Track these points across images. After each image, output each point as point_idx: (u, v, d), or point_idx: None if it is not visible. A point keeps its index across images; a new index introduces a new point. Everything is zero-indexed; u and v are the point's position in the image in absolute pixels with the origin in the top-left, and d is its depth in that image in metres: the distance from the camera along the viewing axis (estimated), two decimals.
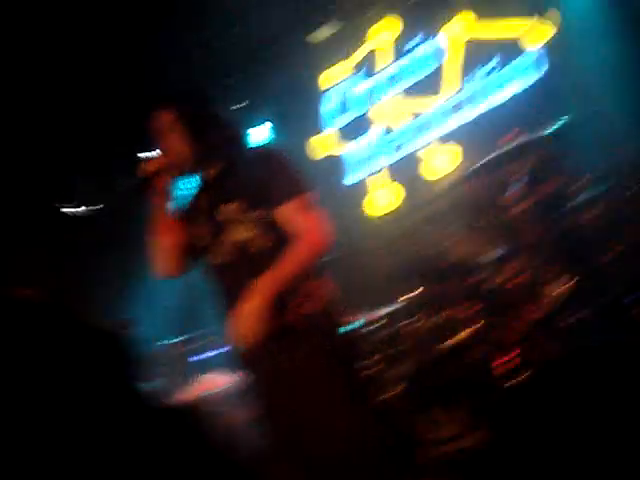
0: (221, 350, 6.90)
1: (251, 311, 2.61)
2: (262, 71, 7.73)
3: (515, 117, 6.49)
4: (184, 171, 2.93)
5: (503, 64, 7.04)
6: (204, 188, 2.98)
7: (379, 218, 7.52)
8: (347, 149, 7.83)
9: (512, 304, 4.45)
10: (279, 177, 2.84)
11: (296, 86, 7.89)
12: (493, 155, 4.90)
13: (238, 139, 3.04)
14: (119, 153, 7.55)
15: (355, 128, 7.90)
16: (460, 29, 7.26)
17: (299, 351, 2.70)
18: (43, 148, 6.93)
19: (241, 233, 2.78)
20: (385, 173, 7.65)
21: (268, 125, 8.23)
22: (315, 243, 2.78)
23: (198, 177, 2.99)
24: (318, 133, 8.02)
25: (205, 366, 6.59)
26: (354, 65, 7.93)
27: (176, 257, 2.92)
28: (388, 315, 5.05)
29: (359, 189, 7.75)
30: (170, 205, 2.94)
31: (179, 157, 2.88)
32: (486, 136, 6.38)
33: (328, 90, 8.07)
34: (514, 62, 6.98)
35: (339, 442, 2.66)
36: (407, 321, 4.97)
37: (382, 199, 7.54)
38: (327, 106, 8.07)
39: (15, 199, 6.82)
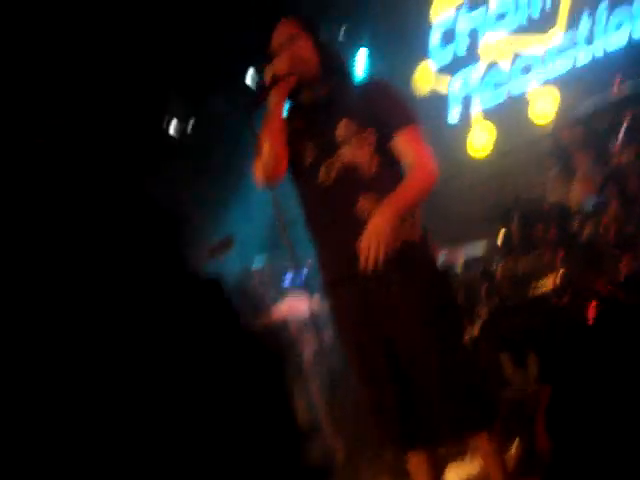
0: (304, 275, 7.04)
1: (383, 228, 2.59)
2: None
3: (619, 67, 6.32)
4: (306, 80, 2.87)
5: (612, 9, 6.83)
6: (316, 104, 2.93)
7: (480, 156, 7.45)
8: (449, 85, 7.74)
9: (607, 254, 4.43)
10: (395, 105, 2.86)
11: (402, 15, 7.78)
12: (595, 104, 4.83)
13: (346, 61, 3.08)
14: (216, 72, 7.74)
15: (457, 64, 7.80)
16: None
17: (404, 277, 2.70)
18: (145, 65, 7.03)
19: (352, 154, 2.77)
20: (487, 112, 7.55)
21: (364, 51, 8.09)
22: (430, 174, 2.78)
23: (313, 91, 2.93)
24: (421, 64, 7.92)
25: (289, 290, 6.74)
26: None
27: (281, 164, 2.86)
28: (477, 255, 5.08)
29: (461, 127, 7.67)
30: (284, 113, 2.89)
31: (306, 64, 2.86)
32: (590, 83, 6.27)
33: (434, 22, 7.96)
34: (623, 7, 6.77)
35: (434, 372, 2.68)
36: (497, 261, 5.00)
37: (483, 138, 7.48)
38: (432, 38, 7.97)
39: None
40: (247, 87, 8.05)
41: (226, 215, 7.91)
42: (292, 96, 2.91)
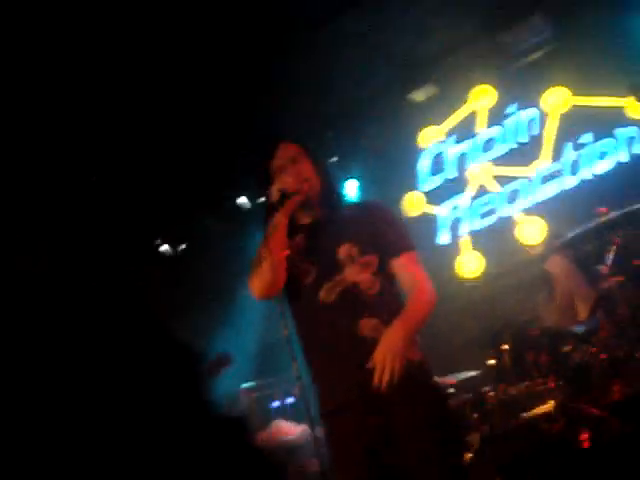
0: (293, 399, 6.97)
1: (397, 345, 2.62)
2: (357, 127, 7.84)
3: (604, 193, 6.48)
4: (308, 200, 2.95)
5: (595, 140, 7.05)
6: (317, 224, 3.01)
7: (468, 281, 7.50)
8: (437, 210, 7.86)
9: (596, 380, 4.40)
10: (395, 229, 2.97)
11: (390, 144, 7.99)
12: (583, 229, 4.89)
13: (340, 186, 3.18)
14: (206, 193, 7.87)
15: (446, 190, 7.94)
16: (555, 102, 7.30)
17: (407, 397, 2.67)
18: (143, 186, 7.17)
19: (354, 275, 2.82)
20: (474, 237, 7.65)
21: (354, 183, 8.25)
22: (431, 297, 2.84)
23: (314, 211, 3.03)
24: (410, 192, 8.05)
25: (277, 413, 6.66)
26: (449, 128, 8.00)
27: (280, 279, 2.87)
28: (467, 380, 5.03)
29: (449, 250, 7.74)
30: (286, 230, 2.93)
31: (309, 184, 2.96)
32: (575, 210, 6.39)
33: (422, 150, 8.14)
34: (606, 139, 7.00)
35: None
36: (486, 388, 4.95)
37: (471, 262, 7.54)
38: (420, 166, 8.13)
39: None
40: (239, 208, 8.17)
41: (216, 337, 7.87)
42: (292, 215, 2.97)
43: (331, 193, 3.07)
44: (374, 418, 2.69)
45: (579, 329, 4.55)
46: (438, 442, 2.67)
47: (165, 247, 8.45)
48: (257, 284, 2.86)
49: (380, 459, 2.68)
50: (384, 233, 2.91)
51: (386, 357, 2.58)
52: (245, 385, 6.89)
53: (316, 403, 2.91)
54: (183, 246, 8.56)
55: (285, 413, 6.74)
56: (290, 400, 6.96)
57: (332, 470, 2.93)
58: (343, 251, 2.85)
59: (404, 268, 2.87)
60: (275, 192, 2.89)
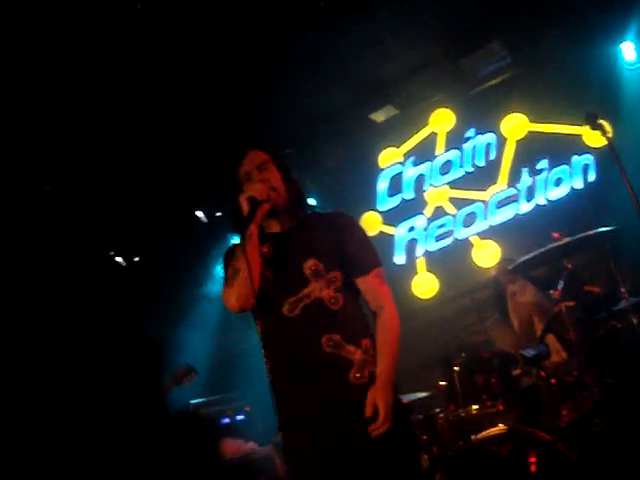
0: (243, 416, 6.93)
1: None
2: (317, 145, 7.85)
3: (559, 219, 6.58)
4: (275, 209, 2.92)
5: (551, 167, 7.17)
6: (283, 234, 2.99)
7: (422, 301, 7.54)
8: (394, 231, 7.90)
9: (547, 403, 4.44)
10: (362, 245, 2.96)
11: (349, 163, 8.03)
12: (535, 253, 4.94)
13: (306, 198, 3.12)
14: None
15: (403, 211, 8.00)
16: (512, 128, 7.42)
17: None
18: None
19: (318, 290, 2.81)
20: (429, 258, 7.71)
21: (312, 201, 8.23)
22: (397, 321, 2.87)
23: (281, 220, 3.00)
24: (367, 211, 8.10)
25: (228, 430, 6.61)
26: (407, 150, 8.08)
27: (253, 290, 2.80)
28: (418, 401, 5.03)
29: (405, 270, 7.78)
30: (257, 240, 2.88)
31: (276, 193, 2.92)
32: (529, 235, 6.47)
33: (381, 171, 8.21)
34: (562, 166, 7.12)
35: None
36: (437, 409, 4.96)
37: (425, 283, 7.59)
38: (378, 186, 8.18)
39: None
40: (197, 219, 8.14)
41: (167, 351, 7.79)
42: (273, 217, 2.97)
43: (299, 202, 3.04)
44: (333, 433, 2.69)
45: (529, 353, 4.58)
46: (398, 459, 2.68)
47: (119, 259, 8.36)
48: (234, 296, 2.83)
49: (335, 475, 2.67)
50: (350, 250, 2.90)
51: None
52: (195, 401, 6.82)
53: (275, 416, 2.86)
54: (137, 258, 8.47)
55: (235, 430, 6.70)
56: (240, 417, 6.93)
57: None
58: (309, 266, 2.84)
59: (371, 286, 2.89)
60: (244, 201, 2.84)
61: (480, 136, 7.63)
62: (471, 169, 7.63)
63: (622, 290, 4.37)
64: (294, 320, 2.80)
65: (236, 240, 3.03)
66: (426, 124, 7.93)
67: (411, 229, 7.85)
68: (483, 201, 7.44)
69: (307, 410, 2.73)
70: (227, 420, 6.88)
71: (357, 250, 2.93)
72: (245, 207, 2.82)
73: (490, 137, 7.56)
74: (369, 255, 2.96)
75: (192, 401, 6.79)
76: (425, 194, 7.87)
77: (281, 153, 3.16)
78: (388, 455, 2.65)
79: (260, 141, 3.15)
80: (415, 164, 8.01)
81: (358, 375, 2.74)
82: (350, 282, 2.89)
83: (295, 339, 2.79)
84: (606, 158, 6.55)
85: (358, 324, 2.84)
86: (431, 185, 7.84)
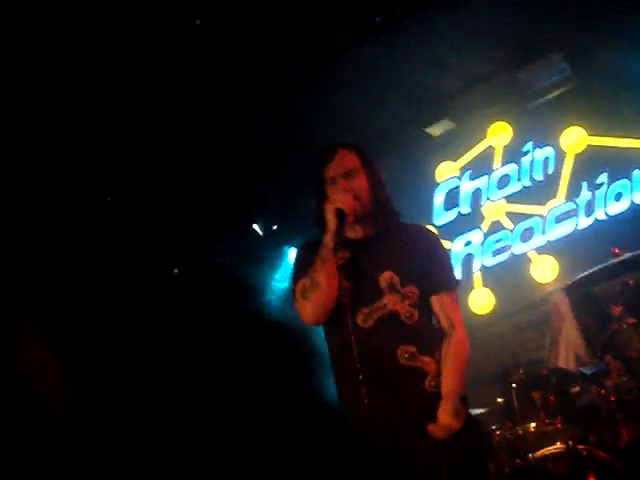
0: None
1: (458, 409, 2.62)
2: (374, 159, 7.83)
3: (619, 234, 6.45)
4: (359, 216, 2.87)
5: (611, 181, 7.03)
6: (363, 242, 2.95)
7: (478, 317, 7.45)
8: (450, 245, 7.83)
9: (606, 421, 4.35)
10: (442, 263, 2.95)
11: (406, 177, 8.00)
12: (595, 269, 4.87)
13: (394, 204, 3.04)
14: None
15: (459, 226, 7.94)
16: (571, 142, 7.31)
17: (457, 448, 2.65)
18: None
19: (393, 304, 2.78)
20: (486, 274, 7.63)
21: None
22: (467, 339, 2.85)
23: (362, 227, 2.95)
24: (424, 225, 8.01)
25: None
26: (464, 164, 8.03)
27: (332, 303, 2.78)
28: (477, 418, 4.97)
29: (461, 286, 7.65)
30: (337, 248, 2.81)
31: (361, 202, 2.86)
32: (588, 250, 6.35)
33: (437, 185, 8.17)
34: (622, 180, 6.97)
35: None
36: (493, 426, 4.89)
37: (482, 299, 7.50)
38: (435, 200, 8.14)
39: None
40: (255, 233, 8.19)
41: None
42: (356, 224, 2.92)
43: (382, 211, 2.95)
44: (403, 447, 2.67)
45: (588, 370, 4.50)
46: (468, 467, 2.66)
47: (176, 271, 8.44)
48: (310, 310, 2.81)
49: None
50: (429, 267, 2.87)
51: (455, 422, 2.60)
52: None
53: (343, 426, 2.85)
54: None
55: None
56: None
57: None
58: (385, 278, 2.80)
59: (445, 305, 2.87)
60: (331, 213, 2.77)
61: (538, 150, 7.52)
62: (529, 183, 7.53)
63: None
64: (368, 331, 2.77)
65: (305, 246, 3.03)
66: (483, 138, 7.86)
67: (467, 244, 7.78)
68: (541, 216, 7.33)
69: (379, 421, 2.70)
70: None
71: (437, 267, 2.90)
72: (331, 218, 2.77)
73: (548, 151, 7.45)
74: (446, 276, 2.94)
75: None
76: (482, 208, 7.80)
77: (370, 156, 3.05)
78: (458, 461, 2.62)
79: (352, 141, 3.06)
80: (472, 178, 7.94)
81: (434, 384, 2.72)
82: (426, 300, 2.86)
83: (370, 349, 2.75)
84: None
85: (432, 337, 2.82)
86: (488, 199, 7.76)
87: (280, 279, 7.98)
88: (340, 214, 2.75)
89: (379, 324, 2.76)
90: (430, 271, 2.86)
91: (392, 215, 3.00)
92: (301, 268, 2.90)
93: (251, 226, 8.21)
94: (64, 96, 5.66)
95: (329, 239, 2.75)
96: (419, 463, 2.64)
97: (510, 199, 7.64)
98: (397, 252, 2.87)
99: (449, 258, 3.06)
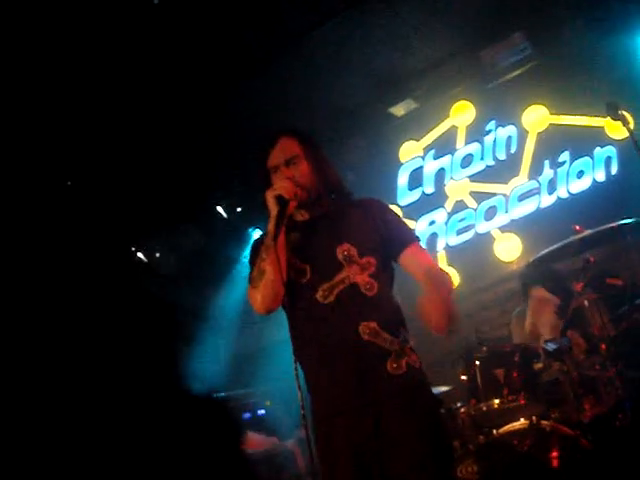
0: (264, 411, 6.95)
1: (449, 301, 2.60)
2: (338, 139, 7.80)
3: (581, 212, 6.52)
4: (304, 201, 2.88)
5: (573, 159, 7.10)
6: (312, 222, 2.96)
7: None
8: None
9: (569, 397, 4.40)
10: (398, 225, 2.99)
11: (369, 157, 8.00)
12: (557, 246, 4.90)
13: (344, 183, 3.07)
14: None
15: (423, 205, 7.97)
16: (533, 120, 7.35)
17: (404, 408, 2.65)
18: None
19: (353, 276, 2.77)
20: (450, 253, 7.67)
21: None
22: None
23: (310, 210, 2.96)
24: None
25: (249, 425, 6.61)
26: (428, 144, 8.04)
27: (281, 288, 2.75)
28: (439, 395, 5.00)
29: None
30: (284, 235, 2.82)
31: (305, 188, 2.88)
32: (551, 228, 6.41)
33: (401, 165, 8.18)
34: (584, 158, 7.04)
35: None
36: (458, 404, 4.93)
37: None
38: (399, 180, 8.16)
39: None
40: (219, 214, 8.15)
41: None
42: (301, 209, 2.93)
43: (330, 192, 2.99)
44: (368, 424, 2.65)
45: (551, 346, 4.53)
46: (432, 453, 2.63)
47: (140, 255, 8.40)
48: (259, 298, 2.81)
49: (369, 466, 2.63)
50: (388, 233, 2.90)
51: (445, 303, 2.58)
52: (216, 395, 6.84)
53: (309, 406, 2.80)
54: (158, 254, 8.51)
55: (256, 425, 6.70)
56: (261, 412, 6.94)
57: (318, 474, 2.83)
58: (341, 251, 2.81)
59: (413, 257, 2.89)
60: (271, 200, 2.78)
61: (501, 129, 7.56)
62: (492, 162, 7.57)
63: None
64: (329, 307, 2.76)
65: (259, 235, 3.04)
66: (446, 117, 7.88)
67: (432, 223, 7.82)
68: (504, 194, 7.38)
69: (344, 399, 2.70)
70: (248, 415, 6.89)
71: (395, 229, 2.94)
72: (272, 205, 2.77)
73: (511, 130, 7.50)
74: (408, 231, 3.00)
75: (214, 395, 6.81)
76: (446, 188, 7.83)
77: (313, 139, 3.06)
78: (423, 448, 2.61)
79: (292, 127, 3.06)
80: (435, 158, 7.96)
81: (395, 365, 2.69)
82: (384, 269, 2.87)
83: (331, 326, 2.75)
84: (629, 150, 6.48)
85: (393, 312, 2.82)
86: (452, 179, 7.80)
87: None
88: (281, 200, 2.76)
89: (340, 299, 2.75)
90: (390, 236, 2.90)
91: (343, 194, 3.03)
92: (252, 258, 2.95)
93: (215, 209, 8.17)
94: (23, 74, 5.58)
95: (271, 226, 2.75)
96: (378, 443, 2.63)
97: (473, 178, 7.68)
98: (351, 225, 2.89)
99: (399, 216, 3.11)
